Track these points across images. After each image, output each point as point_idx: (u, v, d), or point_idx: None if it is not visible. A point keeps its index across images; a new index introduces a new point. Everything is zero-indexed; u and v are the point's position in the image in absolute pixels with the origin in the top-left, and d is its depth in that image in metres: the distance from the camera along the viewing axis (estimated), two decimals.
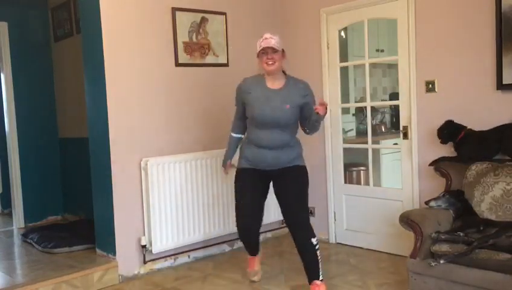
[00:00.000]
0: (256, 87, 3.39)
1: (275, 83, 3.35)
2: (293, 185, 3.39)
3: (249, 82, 3.45)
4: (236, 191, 3.54)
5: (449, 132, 3.58)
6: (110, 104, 3.82)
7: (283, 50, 3.31)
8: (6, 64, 5.44)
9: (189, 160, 4.14)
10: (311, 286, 3.34)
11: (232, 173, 3.61)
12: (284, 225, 4.94)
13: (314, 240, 3.32)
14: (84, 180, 4.53)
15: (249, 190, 3.48)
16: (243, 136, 3.61)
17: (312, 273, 3.34)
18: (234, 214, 4.42)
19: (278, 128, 3.32)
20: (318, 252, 3.33)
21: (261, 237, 4.76)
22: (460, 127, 3.55)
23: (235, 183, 3.55)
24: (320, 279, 3.33)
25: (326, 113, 3.23)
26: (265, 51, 3.23)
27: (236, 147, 3.64)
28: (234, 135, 3.63)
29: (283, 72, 3.39)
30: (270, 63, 3.24)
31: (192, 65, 4.30)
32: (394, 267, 3.90)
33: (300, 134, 3.53)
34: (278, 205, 4.70)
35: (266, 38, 3.23)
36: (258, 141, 3.38)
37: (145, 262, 3.99)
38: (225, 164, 3.70)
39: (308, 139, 4.77)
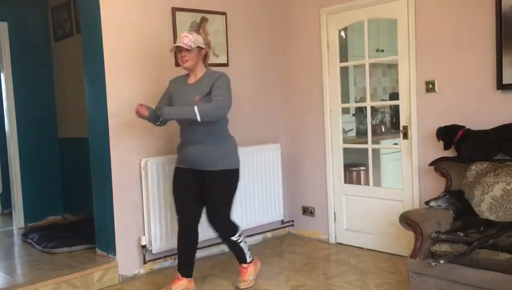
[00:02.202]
0: (178, 85, 3.51)
1: (192, 78, 3.45)
2: (212, 192, 3.44)
3: (175, 82, 3.58)
4: (172, 193, 3.60)
5: (446, 131, 3.58)
6: (110, 104, 3.82)
7: (200, 47, 3.36)
8: (6, 64, 5.44)
9: None
10: (240, 268, 3.67)
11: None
12: (284, 225, 4.97)
13: (234, 237, 3.55)
14: (84, 180, 4.53)
15: (181, 192, 3.53)
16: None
17: (239, 259, 3.66)
18: (234, 213, 4.45)
19: (190, 121, 3.31)
20: (241, 243, 3.59)
21: (261, 237, 4.81)
22: (457, 127, 3.55)
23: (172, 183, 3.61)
24: (248, 261, 3.65)
25: (142, 115, 3.36)
26: (179, 49, 3.36)
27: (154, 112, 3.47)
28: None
29: (206, 66, 3.48)
30: (184, 60, 3.36)
31: None
32: (394, 267, 3.90)
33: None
34: (276, 204, 4.77)
35: (181, 37, 3.35)
36: (181, 137, 3.51)
37: (145, 262, 3.99)
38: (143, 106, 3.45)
39: (308, 139, 4.82)
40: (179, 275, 3.54)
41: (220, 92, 3.30)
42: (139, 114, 3.39)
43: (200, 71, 3.44)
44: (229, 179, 3.46)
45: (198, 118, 3.21)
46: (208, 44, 3.47)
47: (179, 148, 3.55)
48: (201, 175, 3.42)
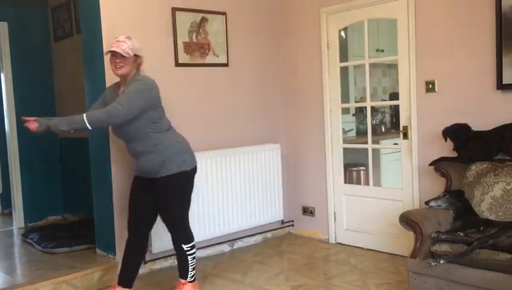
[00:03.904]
0: (110, 94, 3.26)
1: (122, 87, 3.19)
2: (162, 199, 3.26)
3: (110, 89, 3.35)
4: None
5: (454, 131, 3.54)
6: None
7: (136, 55, 3.12)
8: (6, 64, 5.43)
9: None
10: (176, 283, 3.38)
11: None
12: (284, 225, 4.97)
13: (185, 246, 3.30)
14: (84, 180, 4.53)
15: (134, 200, 3.37)
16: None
17: (180, 272, 3.36)
18: (234, 213, 4.46)
19: (128, 135, 3.15)
20: (190, 257, 3.32)
21: (261, 237, 4.81)
22: (465, 127, 3.51)
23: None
24: (189, 280, 3.33)
25: (35, 129, 3.01)
26: (114, 54, 3.09)
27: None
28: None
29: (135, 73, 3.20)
30: (118, 67, 3.09)
31: (192, 65, 4.30)
32: (394, 267, 3.90)
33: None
34: (276, 204, 4.76)
35: (118, 41, 3.08)
36: (127, 151, 3.31)
37: (145, 262, 3.99)
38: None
39: (308, 139, 4.82)
40: (115, 283, 3.42)
41: (122, 98, 3.02)
42: (29, 129, 3.04)
43: (133, 79, 3.16)
44: (176, 184, 3.22)
45: (89, 126, 2.98)
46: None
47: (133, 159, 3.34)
48: (152, 183, 3.25)
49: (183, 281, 3.33)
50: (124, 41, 3.08)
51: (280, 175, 4.80)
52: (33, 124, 3.02)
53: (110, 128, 3.34)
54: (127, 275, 3.41)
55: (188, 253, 3.31)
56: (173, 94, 4.17)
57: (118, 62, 3.08)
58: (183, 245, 3.30)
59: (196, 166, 3.37)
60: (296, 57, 4.89)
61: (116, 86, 3.30)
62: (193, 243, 3.35)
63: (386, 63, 5.73)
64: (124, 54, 3.05)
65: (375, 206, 4.34)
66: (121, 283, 3.40)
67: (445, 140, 3.59)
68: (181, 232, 3.33)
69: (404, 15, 4.01)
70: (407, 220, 3.17)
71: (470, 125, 3.53)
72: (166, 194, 3.24)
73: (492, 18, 3.49)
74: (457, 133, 3.54)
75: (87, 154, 4.12)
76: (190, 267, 3.32)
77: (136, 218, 3.37)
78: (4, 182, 6.26)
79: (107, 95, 3.30)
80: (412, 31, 3.97)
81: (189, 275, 3.33)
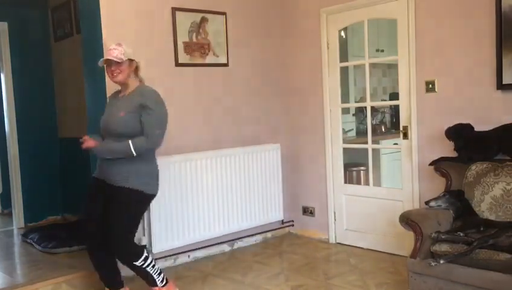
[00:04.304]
0: (112, 98, 3.32)
1: (123, 92, 3.22)
2: (114, 209, 3.10)
3: (111, 95, 3.38)
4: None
5: (456, 131, 3.52)
6: None
7: (130, 59, 3.12)
8: (6, 64, 5.44)
9: (189, 160, 4.14)
10: None
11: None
12: (284, 225, 4.96)
13: (138, 263, 3.13)
14: (84, 180, 4.52)
15: (90, 203, 3.27)
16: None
17: (148, 283, 3.24)
18: (234, 213, 4.46)
19: (114, 136, 3.11)
20: (149, 268, 3.17)
21: (261, 237, 4.81)
22: (468, 128, 3.50)
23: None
24: (160, 286, 3.23)
25: (90, 147, 3.12)
26: (108, 63, 3.11)
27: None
28: None
29: (140, 80, 3.23)
30: (115, 74, 3.11)
31: (192, 65, 4.30)
32: (394, 267, 3.90)
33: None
34: (276, 204, 4.77)
35: (109, 50, 3.10)
36: None
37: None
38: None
39: (308, 139, 4.82)
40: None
41: (152, 123, 3.05)
42: (87, 148, 3.14)
43: (132, 85, 3.17)
44: (132, 199, 3.09)
45: (134, 153, 3.01)
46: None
47: (98, 159, 3.29)
48: (109, 189, 3.13)
49: (155, 288, 3.24)
50: (115, 48, 3.09)
51: (280, 175, 4.80)
52: (91, 142, 3.13)
53: (102, 118, 3.27)
54: (107, 277, 3.30)
55: (143, 266, 3.15)
56: (173, 94, 4.17)
57: (114, 70, 3.10)
58: (134, 263, 3.14)
59: (155, 195, 3.25)
60: (296, 57, 4.89)
61: (117, 93, 3.31)
62: (144, 254, 3.15)
63: (386, 63, 5.73)
64: (117, 60, 3.06)
65: (375, 206, 4.34)
66: (109, 286, 3.31)
67: (449, 140, 3.56)
68: (127, 250, 3.14)
69: (404, 15, 4.01)
70: (407, 220, 3.17)
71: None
72: (119, 205, 3.09)
73: (492, 18, 3.49)
74: (459, 132, 3.52)
75: (87, 154, 4.12)
76: (155, 275, 3.20)
77: (91, 227, 3.21)
78: (4, 182, 6.27)
79: (109, 105, 3.31)
80: (412, 31, 3.97)
81: (158, 282, 3.21)
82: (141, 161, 3.10)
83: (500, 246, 2.80)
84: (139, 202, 3.15)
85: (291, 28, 4.89)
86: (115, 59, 3.06)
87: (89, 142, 3.15)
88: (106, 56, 3.11)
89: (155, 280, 3.21)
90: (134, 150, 3.01)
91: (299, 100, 4.88)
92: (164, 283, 3.25)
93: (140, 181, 3.10)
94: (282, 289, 3.62)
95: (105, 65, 3.16)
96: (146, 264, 3.15)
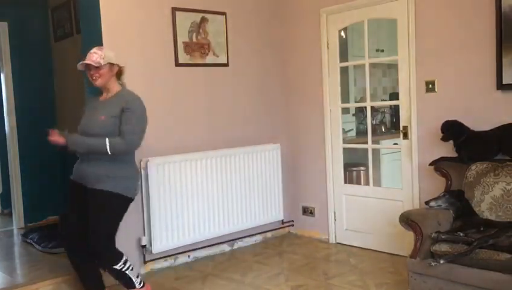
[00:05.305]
0: (92, 101, 3.30)
1: (104, 96, 3.20)
2: (93, 211, 3.06)
3: (92, 98, 3.36)
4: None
5: (453, 131, 3.54)
6: None
7: (111, 63, 3.09)
8: (6, 64, 5.44)
9: (189, 160, 4.14)
10: None
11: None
12: (284, 225, 4.96)
13: (117, 266, 3.11)
14: None
15: (71, 206, 3.26)
16: None
17: (126, 286, 3.23)
18: (234, 213, 4.46)
19: (93, 133, 3.06)
20: (127, 271, 3.15)
21: (261, 237, 4.81)
22: (464, 129, 3.51)
23: None
24: (138, 287, 3.21)
25: (57, 142, 3.02)
26: (88, 67, 3.09)
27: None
28: None
29: (122, 84, 3.21)
30: (94, 78, 3.09)
31: (192, 65, 4.30)
32: (394, 267, 3.90)
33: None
34: (276, 204, 4.77)
35: (89, 54, 3.08)
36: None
37: (145, 262, 3.99)
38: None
39: (308, 139, 4.82)
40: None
41: (132, 126, 3.02)
42: (53, 143, 3.05)
43: (113, 89, 3.15)
44: (111, 203, 3.06)
45: (109, 151, 2.97)
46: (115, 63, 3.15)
47: (77, 161, 3.23)
48: (87, 193, 3.09)
49: None
50: (95, 52, 3.07)
51: (280, 175, 4.80)
52: (58, 138, 3.03)
53: (81, 121, 3.22)
54: (90, 283, 3.29)
55: (122, 269, 3.13)
56: (173, 94, 4.18)
57: (93, 74, 3.08)
58: (114, 267, 3.12)
59: (134, 198, 3.21)
60: (296, 57, 4.89)
61: (98, 96, 3.28)
62: (123, 258, 3.14)
63: (386, 63, 5.73)
64: (95, 64, 3.03)
65: (375, 206, 4.34)
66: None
67: (443, 133, 3.56)
68: (107, 253, 3.13)
69: (404, 15, 4.01)
70: (407, 220, 3.17)
71: (470, 126, 3.52)
72: (98, 209, 3.05)
73: (492, 18, 3.49)
74: (449, 128, 3.52)
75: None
76: (132, 277, 3.18)
77: (71, 231, 3.24)
78: (4, 182, 6.26)
79: (88, 108, 3.26)
80: (412, 31, 3.97)
81: (136, 283, 3.20)
82: (120, 164, 3.08)
83: (500, 246, 2.80)
84: (119, 205, 3.11)
85: (291, 28, 4.89)
86: (92, 63, 3.04)
87: (56, 137, 3.04)
88: (86, 60, 3.08)
89: (134, 282, 3.19)
90: (110, 149, 2.97)
91: (299, 100, 4.88)
92: (142, 284, 3.24)
93: (119, 184, 3.06)
94: (282, 289, 3.62)
95: (85, 69, 3.13)
96: (125, 267, 3.14)
